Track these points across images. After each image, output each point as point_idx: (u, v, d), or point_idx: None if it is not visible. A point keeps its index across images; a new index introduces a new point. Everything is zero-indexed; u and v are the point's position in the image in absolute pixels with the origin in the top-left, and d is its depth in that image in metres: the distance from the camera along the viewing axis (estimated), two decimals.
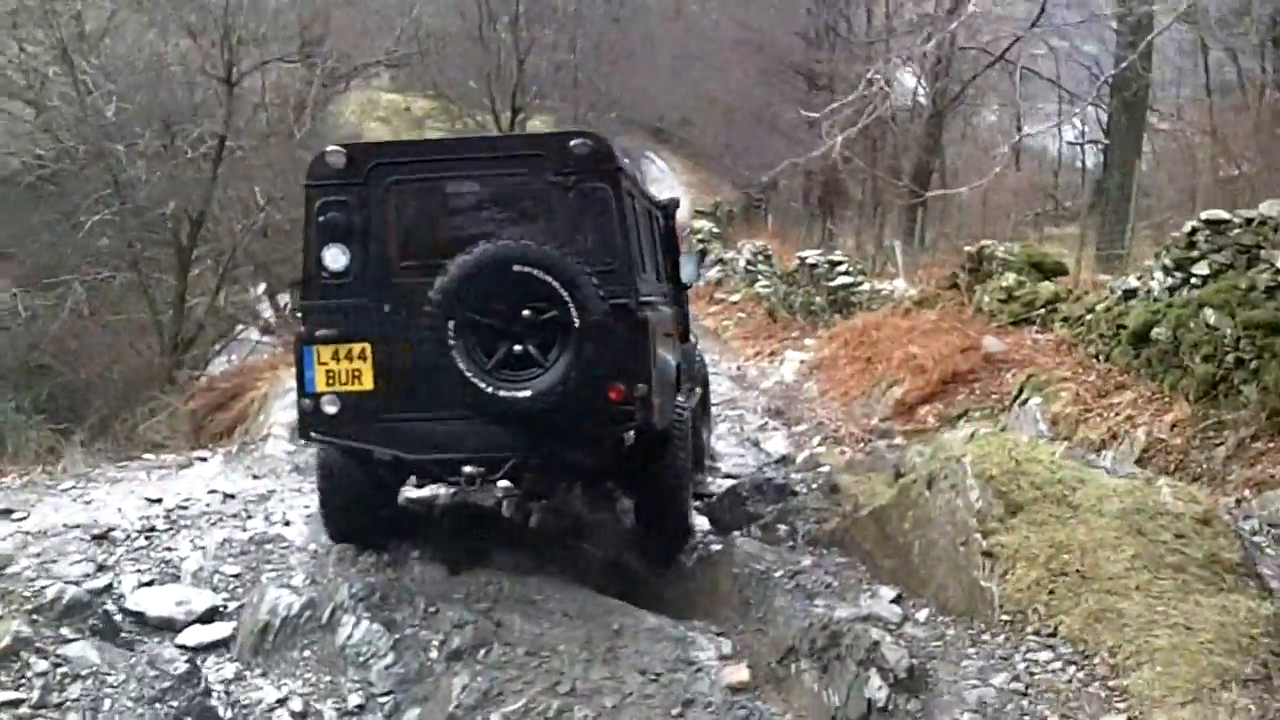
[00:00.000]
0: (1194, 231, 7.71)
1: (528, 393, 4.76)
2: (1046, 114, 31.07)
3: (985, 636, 4.31)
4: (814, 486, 6.65)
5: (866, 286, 13.77)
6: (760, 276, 18.47)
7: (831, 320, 13.78)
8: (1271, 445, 6.37)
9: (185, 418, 11.89)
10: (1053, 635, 4.14)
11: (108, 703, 4.41)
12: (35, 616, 4.85)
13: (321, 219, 5.11)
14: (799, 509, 6.14)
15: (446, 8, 29.04)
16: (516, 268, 4.72)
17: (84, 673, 4.51)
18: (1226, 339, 6.97)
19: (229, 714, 4.52)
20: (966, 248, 11.97)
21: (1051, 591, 4.21)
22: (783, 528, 5.83)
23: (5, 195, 17.26)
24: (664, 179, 32.79)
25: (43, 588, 5.07)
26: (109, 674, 4.56)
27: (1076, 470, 4.89)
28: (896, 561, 5.00)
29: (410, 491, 6.38)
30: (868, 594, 4.80)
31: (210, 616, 5.15)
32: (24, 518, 6.39)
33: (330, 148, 5.24)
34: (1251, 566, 4.43)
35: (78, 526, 6.13)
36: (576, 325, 4.70)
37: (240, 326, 18.29)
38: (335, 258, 5.11)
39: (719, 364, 11.84)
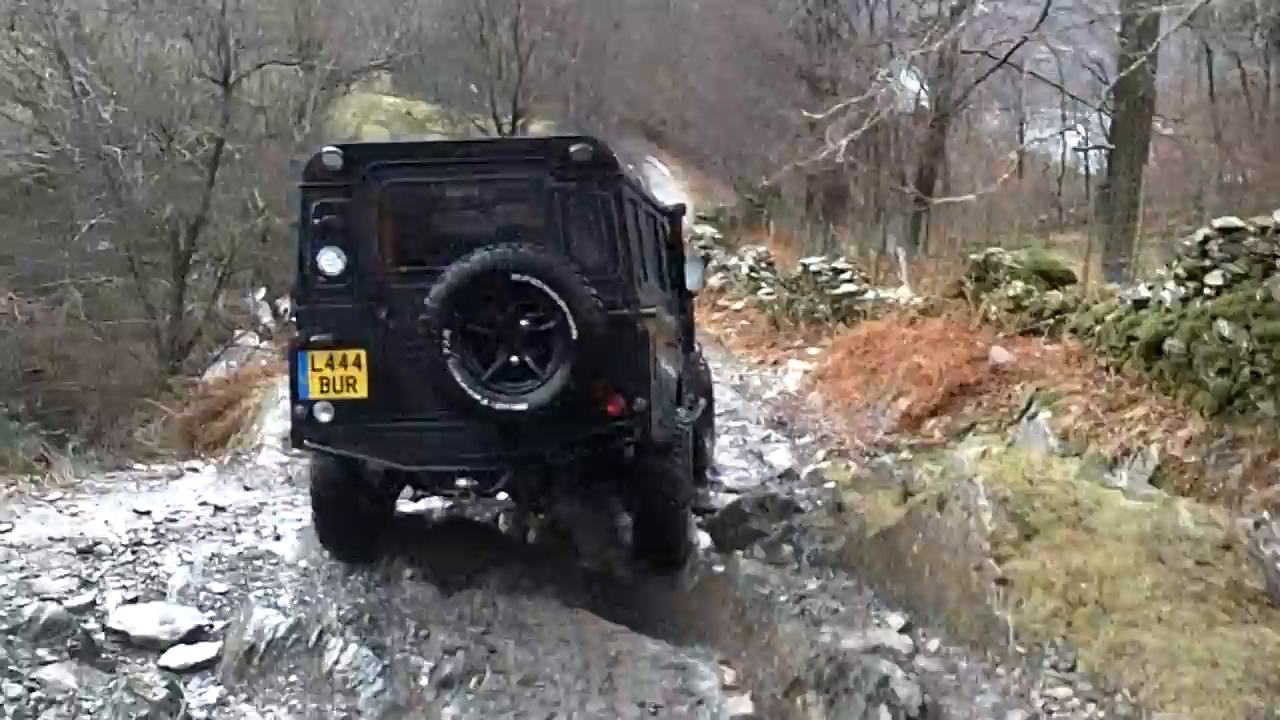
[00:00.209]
0: (1206, 240, 7.50)
1: (524, 405, 4.67)
2: (1049, 118, 31.11)
3: (1000, 670, 4.13)
4: (819, 503, 6.50)
5: (871, 295, 13.59)
6: (763, 283, 18.30)
7: (835, 328, 13.61)
8: None
9: (179, 426, 11.73)
10: (1071, 670, 3.96)
11: None
12: (11, 637, 4.67)
13: (317, 221, 5.02)
14: (804, 527, 5.98)
15: (445, 12, 28.98)
16: (515, 276, 4.62)
17: (59, 698, 4.33)
18: (1242, 352, 6.78)
19: None
20: (972, 255, 11.79)
21: (1069, 623, 4.03)
22: (787, 547, 5.66)
23: (3, 199, 17.13)
24: (664, 183, 32.65)
25: (20, 606, 4.90)
26: (86, 699, 4.38)
27: (1092, 491, 4.73)
28: (905, 585, 4.83)
29: (405, 505, 6.24)
30: (875, 621, 4.63)
31: (195, 636, 4.99)
32: (8, 530, 6.26)
33: (326, 147, 5.15)
34: (1276, 596, 4.25)
35: (63, 539, 6.02)
36: (575, 336, 4.59)
37: (238, 332, 18.15)
38: (331, 261, 5.02)
39: (721, 372, 11.66)
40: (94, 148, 15.36)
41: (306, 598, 5.23)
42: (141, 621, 5.02)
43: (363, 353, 4.95)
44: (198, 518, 6.65)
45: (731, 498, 7.03)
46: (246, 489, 7.62)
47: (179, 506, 6.91)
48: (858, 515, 5.84)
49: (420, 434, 4.95)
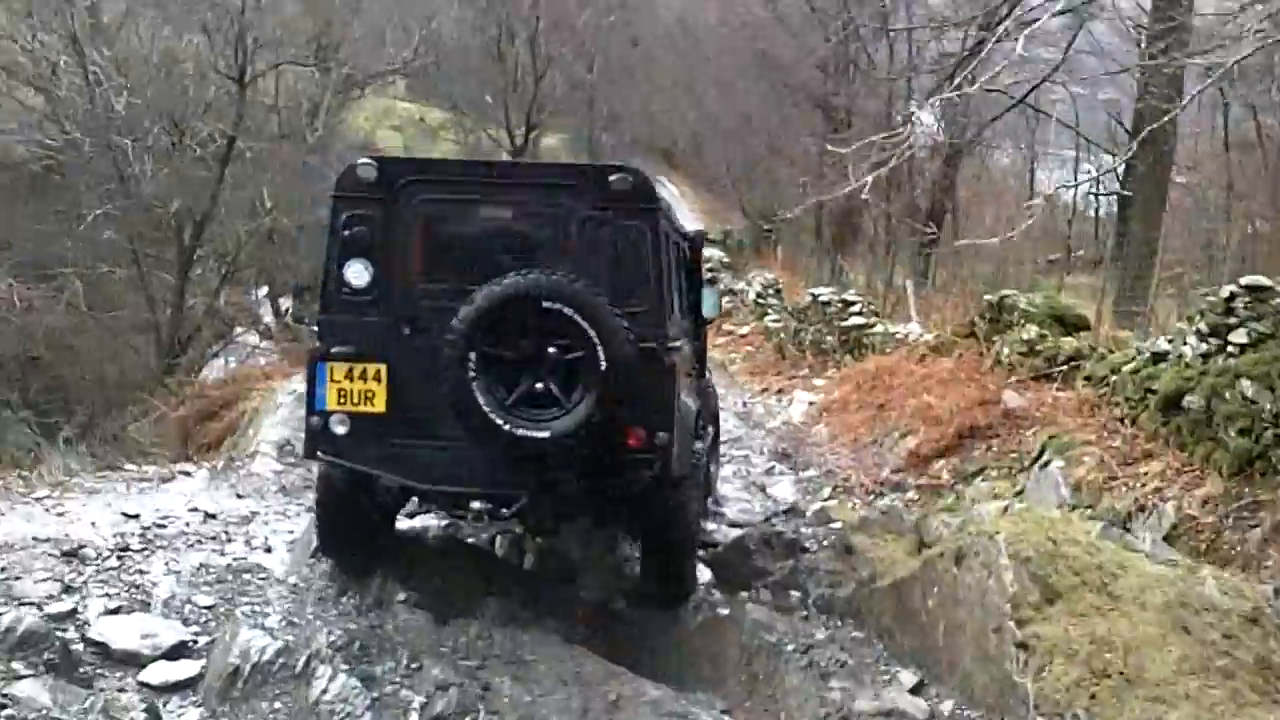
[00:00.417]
0: (1232, 296, 7.39)
1: (546, 433, 4.58)
2: (1060, 159, 31.08)
3: None
4: (825, 544, 6.34)
5: (880, 329, 13.42)
6: (770, 310, 18.14)
7: (842, 360, 13.44)
8: None
9: (174, 425, 11.56)
10: None
11: None
12: None
13: (346, 233, 4.96)
14: (810, 569, 5.82)
15: (465, 22, 29.02)
16: (546, 303, 4.54)
17: (32, 716, 4.15)
18: (1265, 414, 6.63)
19: None
20: (986, 296, 11.64)
21: (1093, 695, 3.86)
22: (794, 593, 5.48)
23: (8, 183, 17.03)
24: (673, 203, 32.56)
25: None
26: (60, 718, 4.20)
27: (1116, 554, 4.57)
28: (918, 640, 4.66)
29: (401, 522, 6.07)
30: (885, 677, 4.45)
31: (177, 653, 4.81)
32: None
33: (362, 160, 5.07)
34: None
35: (48, 540, 5.83)
36: (604, 368, 4.50)
37: (239, 329, 18.02)
38: (358, 274, 4.95)
39: (725, 398, 11.48)
40: (104, 138, 15.29)
41: (295, 619, 5.05)
42: (123, 634, 4.84)
43: (383, 367, 4.87)
44: (187, 524, 6.48)
45: (735, 532, 6.86)
46: (239, 496, 7.44)
47: (169, 511, 6.73)
48: (867, 560, 5.68)
49: (437, 453, 4.87)
